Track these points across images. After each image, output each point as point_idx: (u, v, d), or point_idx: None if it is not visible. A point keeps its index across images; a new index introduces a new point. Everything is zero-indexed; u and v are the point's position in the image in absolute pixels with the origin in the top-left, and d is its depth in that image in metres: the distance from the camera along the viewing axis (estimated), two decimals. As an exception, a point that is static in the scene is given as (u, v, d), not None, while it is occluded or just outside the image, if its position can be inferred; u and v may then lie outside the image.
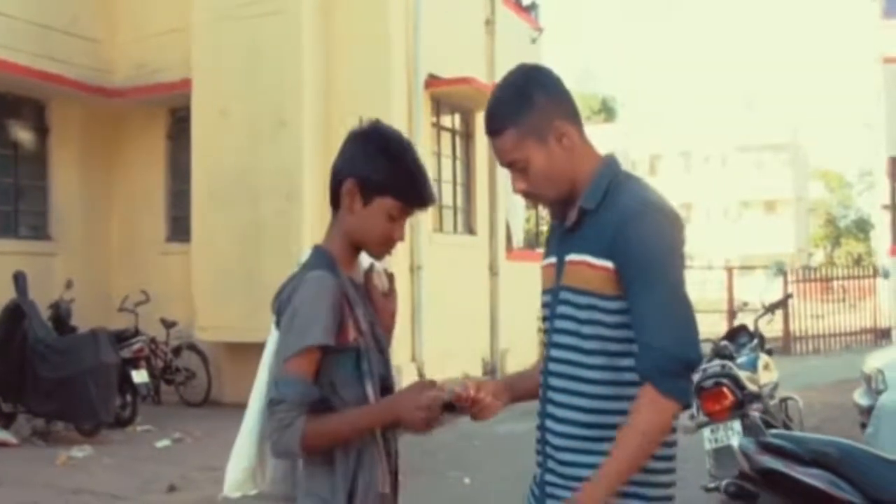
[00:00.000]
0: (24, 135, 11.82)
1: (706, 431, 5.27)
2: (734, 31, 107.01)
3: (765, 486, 3.05)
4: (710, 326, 16.24)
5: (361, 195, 2.18)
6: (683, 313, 2.00)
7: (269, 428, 2.12)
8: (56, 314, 9.73)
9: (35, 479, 7.38)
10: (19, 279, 9.04)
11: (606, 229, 2.01)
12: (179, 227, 12.17)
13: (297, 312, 2.10)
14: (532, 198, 2.19)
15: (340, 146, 2.26)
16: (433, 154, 11.87)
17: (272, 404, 2.09)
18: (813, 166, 59.92)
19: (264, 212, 10.46)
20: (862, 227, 53.38)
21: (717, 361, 5.65)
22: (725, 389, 5.27)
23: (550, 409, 2.12)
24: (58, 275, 10.96)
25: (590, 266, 2.03)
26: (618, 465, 1.95)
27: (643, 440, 1.96)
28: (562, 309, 2.10)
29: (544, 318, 2.20)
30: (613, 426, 2.02)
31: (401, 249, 10.85)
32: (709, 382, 5.35)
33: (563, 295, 2.09)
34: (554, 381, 2.12)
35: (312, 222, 9.97)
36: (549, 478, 2.13)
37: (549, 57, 21.79)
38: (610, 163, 2.13)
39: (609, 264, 2.00)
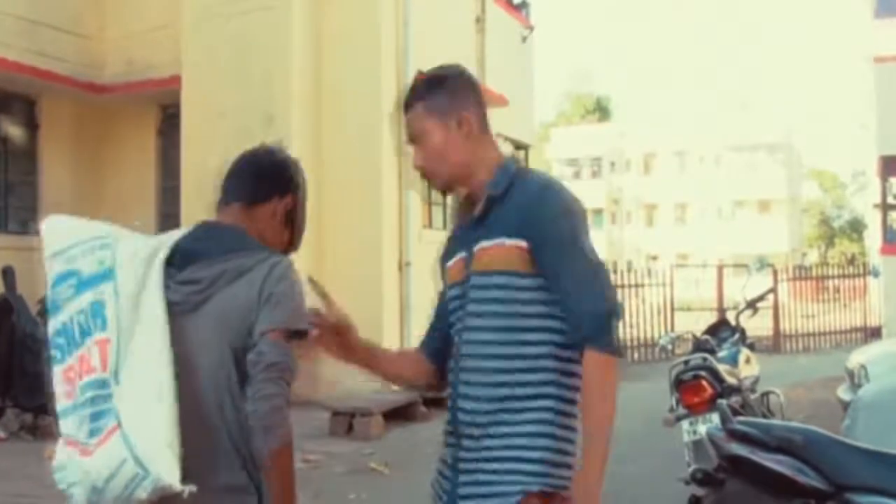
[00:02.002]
0: (13, 130, 11.84)
1: (685, 424, 5.28)
2: (728, 32, 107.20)
3: (732, 473, 3.09)
4: (704, 324, 16.14)
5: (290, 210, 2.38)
6: (603, 275, 2.12)
7: (263, 388, 2.03)
8: (45, 309, 9.72)
9: (22, 473, 7.38)
10: (8, 274, 9.04)
11: (516, 211, 2.13)
12: (169, 223, 12.16)
13: (289, 294, 2.12)
14: (427, 177, 2.28)
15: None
16: (423, 151, 11.89)
17: (272, 365, 2.04)
18: (807, 166, 60.03)
19: (253, 208, 10.47)
20: (856, 227, 53.51)
21: (698, 355, 5.69)
22: (704, 382, 5.29)
23: (463, 389, 2.17)
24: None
25: (503, 247, 2.13)
26: (600, 445, 2.02)
27: (610, 408, 2.04)
28: (476, 294, 2.17)
29: (452, 312, 2.26)
30: (527, 397, 2.10)
31: (389, 246, 10.90)
32: (688, 375, 5.38)
33: (477, 280, 2.17)
34: (467, 363, 2.18)
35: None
36: (462, 454, 2.17)
37: (543, 56, 21.86)
38: (513, 158, 2.31)
39: (522, 243, 2.10)
